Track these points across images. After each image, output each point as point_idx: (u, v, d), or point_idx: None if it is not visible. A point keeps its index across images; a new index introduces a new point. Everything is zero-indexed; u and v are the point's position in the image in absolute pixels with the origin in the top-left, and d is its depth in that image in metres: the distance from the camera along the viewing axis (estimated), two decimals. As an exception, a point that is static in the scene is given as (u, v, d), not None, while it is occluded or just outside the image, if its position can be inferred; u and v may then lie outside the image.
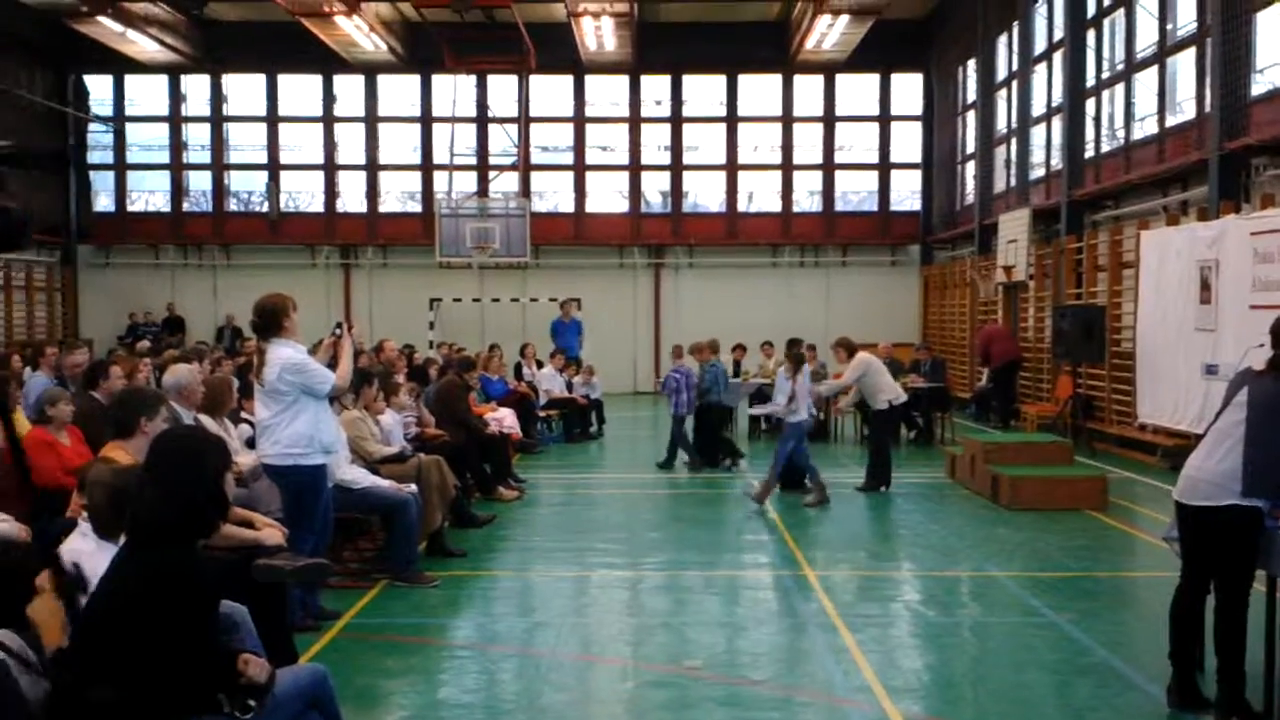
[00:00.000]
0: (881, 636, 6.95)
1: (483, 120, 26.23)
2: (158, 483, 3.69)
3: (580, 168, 26.54)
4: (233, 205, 27.07)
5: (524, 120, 25.73)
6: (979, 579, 8.49)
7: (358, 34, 22.31)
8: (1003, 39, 21.72)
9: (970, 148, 23.69)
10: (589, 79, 26.08)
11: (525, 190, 25.61)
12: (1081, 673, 6.17)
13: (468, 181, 26.16)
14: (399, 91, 26.40)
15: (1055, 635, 6.89)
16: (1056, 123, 18.88)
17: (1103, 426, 16.01)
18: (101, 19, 21.10)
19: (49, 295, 25.18)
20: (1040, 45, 19.89)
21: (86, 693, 3.44)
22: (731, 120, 26.27)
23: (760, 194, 26.96)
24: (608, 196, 26.86)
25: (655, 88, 26.35)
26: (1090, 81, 17.71)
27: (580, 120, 26.42)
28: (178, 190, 26.66)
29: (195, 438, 3.97)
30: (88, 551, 4.44)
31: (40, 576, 4.56)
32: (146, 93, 26.61)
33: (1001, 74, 21.90)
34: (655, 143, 26.61)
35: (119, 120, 26.57)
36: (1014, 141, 20.87)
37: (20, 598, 3.67)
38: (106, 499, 4.37)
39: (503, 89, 26.12)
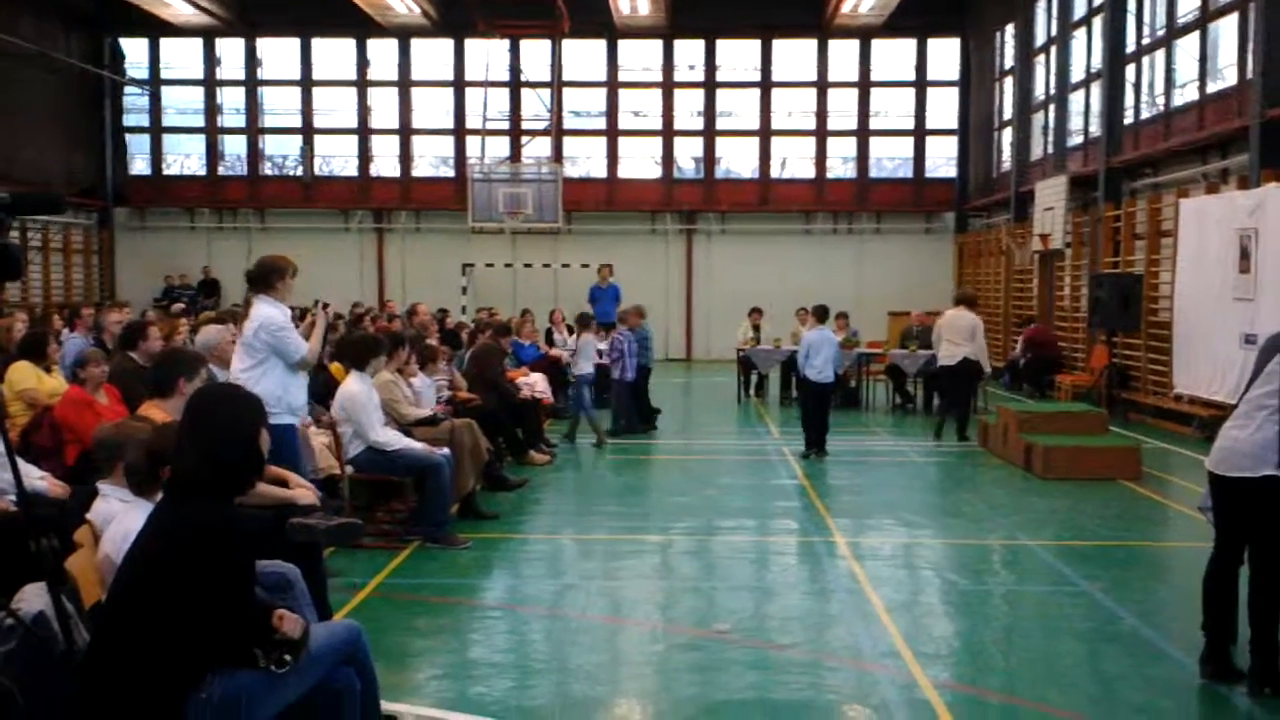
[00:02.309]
0: (911, 603, 6.95)
1: (515, 85, 26.15)
2: (195, 439, 3.73)
3: (613, 133, 26.43)
4: (267, 169, 27.13)
5: (557, 85, 25.63)
6: (1010, 547, 8.47)
7: (391, -3, 22.28)
8: (1041, 3, 21.42)
9: (1007, 114, 23.42)
10: (622, 43, 25.92)
11: (557, 155, 25.54)
12: (1112, 642, 6.15)
13: (500, 146, 26.12)
14: (432, 55, 26.33)
15: (1087, 604, 6.87)
16: (1095, 89, 18.64)
17: (1138, 396, 15.88)
18: (137, -18, 21.19)
19: (86, 258, 25.41)
20: (1080, 10, 19.60)
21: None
22: (765, 85, 26.07)
23: (793, 160, 26.77)
24: (640, 162, 26.76)
25: (688, 52, 26.16)
26: (1130, 47, 17.45)
27: (613, 85, 26.28)
28: (213, 154, 26.77)
29: (232, 396, 4.00)
30: (118, 512, 4.50)
31: (79, 532, 4.65)
32: (182, 56, 26.67)
33: (1040, 39, 21.61)
34: (688, 108, 26.45)
35: (154, 83, 26.68)
36: (1052, 107, 20.62)
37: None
38: (143, 456, 4.42)
39: (535, 53, 26.02)
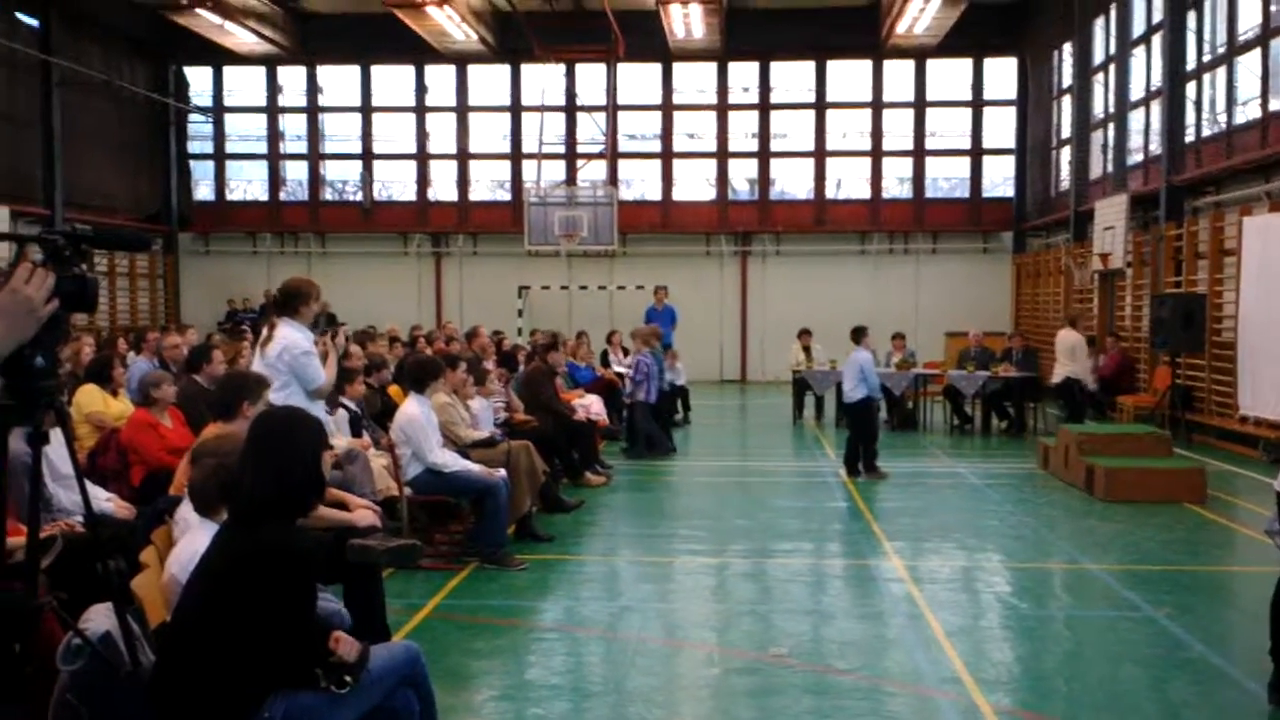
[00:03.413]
0: (971, 628, 6.87)
1: (571, 109, 26.35)
2: (257, 460, 3.78)
3: (667, 155, 26.53)
4: (328, 194, 27.54)
5: (612, 108, 25.77)
6: (1072, 571, 8.35)
7: (449, 24, 22.52)
8: (1100, 21, 21.22)
9: (1065, 132, 23.19)
10: (677, 66, 26.03)
11: (613, 178, 25.68)
12: (1178, 668, 6.05)
13: (556, 170, 26.30)
14: (489, 81, 26.61)
15: (1151, 630, 6.76)
16: (1155, 107, 18.40)
17: (1202, 418, 15.61)
18: (201, 11, 21.58)
19: (151, 282, 25.88)
20: (1139, 27, 19.39)
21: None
22: (820, 106, 26.03)
23: (849, 181, 26.69)
24: (695, 184, 26.82)
25: (743, 74, 26.20)
26: (1191, 64, 17.22)
27: (668, 108, 26.39)
28: (275, 179, 27.21)
29: (295, 418, 4.04)
30: (193, 523, 4.58)
31: (145, 553, 4.73)
32: (244, 84, 27.17)
33: (1099, 57, 21.40)
34: (743, 130, 26.46)
35: (218, 111, 27.19)
36: (1111, 126, 20.38)
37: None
38: (209, 478, 4.49)
39: (591, 78, 26.20)
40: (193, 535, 4.47)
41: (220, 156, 27.46)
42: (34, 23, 21.70)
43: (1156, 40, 18.33)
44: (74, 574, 4.71)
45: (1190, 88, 17.29)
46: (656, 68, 25.98)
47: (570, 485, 11.32)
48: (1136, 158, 19.52)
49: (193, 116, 27.06)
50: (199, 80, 27.03)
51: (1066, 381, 14.47)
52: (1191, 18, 17.15)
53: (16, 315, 2.51)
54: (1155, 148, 18.39)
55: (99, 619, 3.81)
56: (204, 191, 27.52)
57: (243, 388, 5.99)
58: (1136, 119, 19.61)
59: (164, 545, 4.79)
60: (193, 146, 27.40)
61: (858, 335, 12.94)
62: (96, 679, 3.69)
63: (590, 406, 13.18)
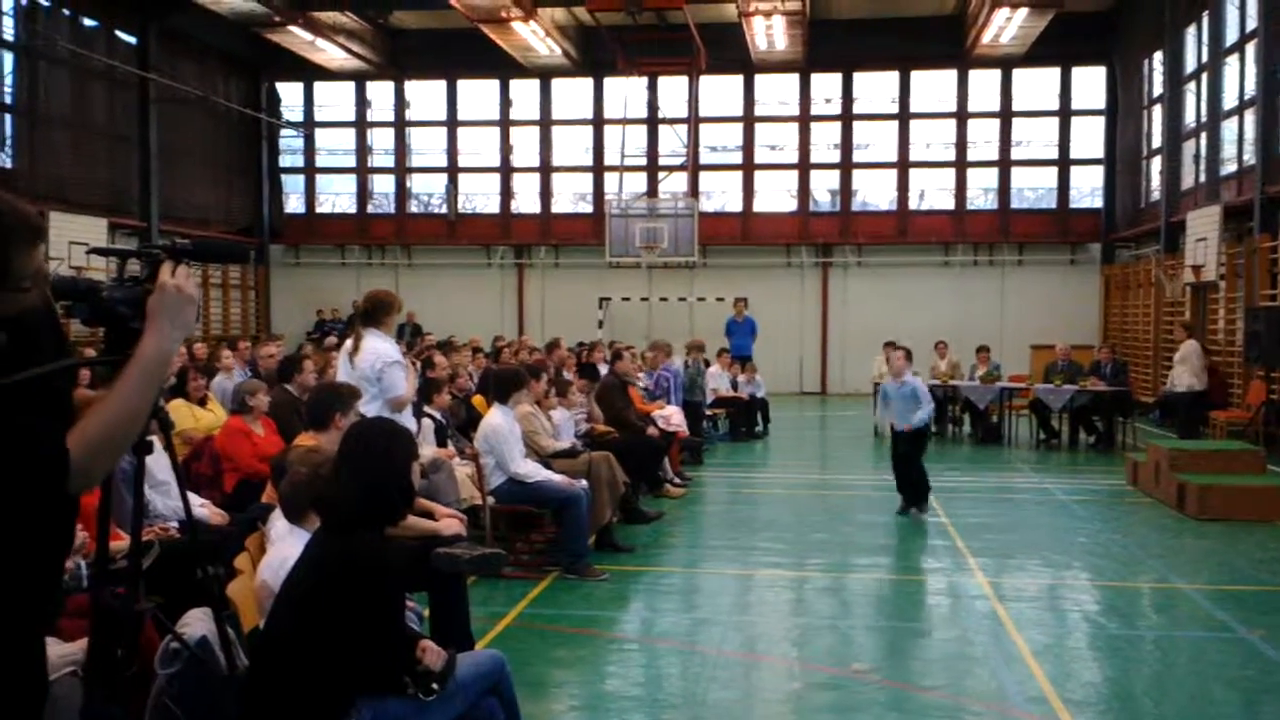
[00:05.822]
0: (1057, 646, 6.76)
1: (653, 121, 26.45)
2: (350, 470, 3.87)
3: (749, 167, 26.50)
4: (414, 207, 27.99)
5: (694, 121, 25.82)
6: (1162, 590, 8.19)
7: (534, 39, 22.78)
8: (1191, 29, 20.77)
9: (1156, 142, 22.72)
10: (759, 78, 26.01)
11: (694, 190, 25.71)
12: (1272, 691, 5.90)
13: (638, 182, 26.43)
14: (572, 95, 26.83)
15: (1244, 651, 6.60)
16: (1249, 116, 17.97)
17: (1299, 435, 15.20)
18: (293, 29, 22.11)
19: (243, 292, 26.51)
20: (1232, 35, 18.95)
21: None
22: (903, 117, 25.81)
23: (932, 192, 26.43)
24: (776, 196, 26.74)
25: (825, 85, 26.08)
26: (1287, 72, 16.81)
27: (749, 120, 26.38)
28: (363, 193, 27.72)
29: (387, 429, 4.14)
30: (282, 533, 4.70)
31: (239, 559, 4.87)
32: (334, 99, 27.73)
33: (1190, 66, 20.95)
34: (825, 141, 26.34)
35: (309, 125, 27.79)
36: (1203, 136, 19.94)
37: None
38: (301, 487, 4.61)
39: (673, 90, 26.29)
40: (283, 543, 4.58)
41: (310, 170, 28.07)
42: (132, 40, 22.38)
43: (1250, 48, 17.92)
44: (171, 579, 4.87)
45: (1286, 96, 16.87)
46: (738, 79, 25.99)
47: (650, 496, 11.36)
48: (1230, 168, 19.08)
49: (284, 131, 27.70)
50: (290, 95, 27.66)
51: (1192, 393, 14.63)
52: (1288, 25, 16.74)
53: (177, 308, 2.47)
54: (1249, 158, 17.95)
55: (196, 624, 3.93)
56: (294, 204, 28.12)
57: (336, 399, 6.12)
58: (1229, 128, 19.16)
59: (257, 552, 4.93)
60: (284, 160, 28.05)
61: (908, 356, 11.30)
62: (193, 682, 3.81)
63: (670, 418, 13.18)
